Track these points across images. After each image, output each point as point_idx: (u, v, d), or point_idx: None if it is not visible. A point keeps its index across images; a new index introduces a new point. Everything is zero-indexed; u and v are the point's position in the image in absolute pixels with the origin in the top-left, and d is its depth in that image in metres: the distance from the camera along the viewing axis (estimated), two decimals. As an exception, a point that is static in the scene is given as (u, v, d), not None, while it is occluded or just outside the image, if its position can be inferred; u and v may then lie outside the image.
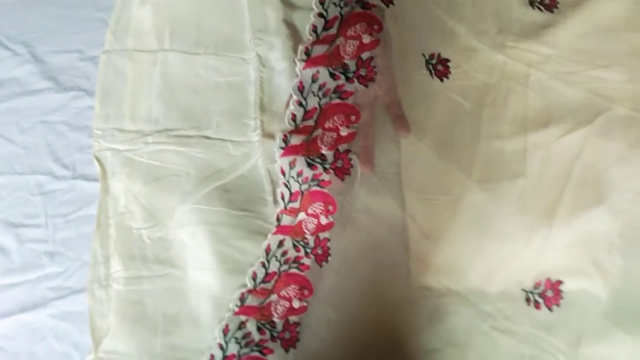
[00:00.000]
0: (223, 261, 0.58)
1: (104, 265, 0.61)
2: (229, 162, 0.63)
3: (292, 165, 0.56)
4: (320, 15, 0.56)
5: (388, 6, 0.59)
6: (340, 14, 0.56)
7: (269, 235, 0.57)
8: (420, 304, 0.56)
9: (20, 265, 0.63)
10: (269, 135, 0.64)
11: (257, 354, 0.53)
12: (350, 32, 0.55)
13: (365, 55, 0.56)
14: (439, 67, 0.63)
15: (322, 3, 0.56)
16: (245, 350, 0.53)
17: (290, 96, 0.57)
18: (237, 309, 0.55)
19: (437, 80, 0.63)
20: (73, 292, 0.61)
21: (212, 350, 0.54)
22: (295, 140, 0.55)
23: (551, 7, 0.66)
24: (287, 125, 0.56)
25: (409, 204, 0.59)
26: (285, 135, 0.56)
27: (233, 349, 0.53)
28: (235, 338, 0.54)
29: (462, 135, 0.62)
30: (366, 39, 0.55)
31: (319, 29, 0.56)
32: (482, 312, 0.56)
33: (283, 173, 0.58)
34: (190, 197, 0.62)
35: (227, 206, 0.61)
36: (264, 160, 0.62)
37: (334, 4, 0.56)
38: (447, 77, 0.63)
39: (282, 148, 0.56)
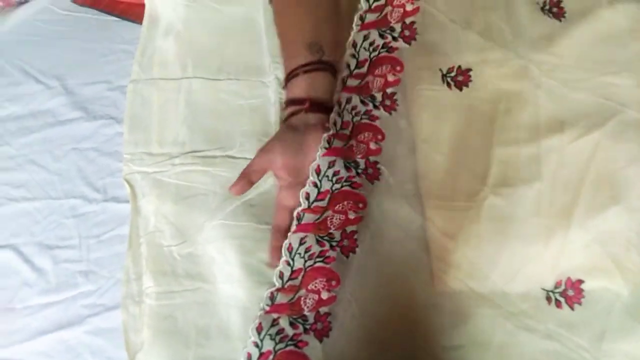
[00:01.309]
0: (250, 273, 0.60)
1: (137, 282, 0.63)
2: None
3: (331, 164, 0.59)
4: (353, 55, 0.64)
5: (410, 44, 0.65)
6: (369, 57, 0.64)
7: (290, 235, 0.58)
8: (444, 306, 0.57)
9: (56, 285, 0.66)
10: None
11: (292, 347, 0.54)
12: (377, 72, 0.64)
13: (389, 90, 0.64)
14: (459, 78, 0.66)
15: (354, 46, 0.64)
16: (281, 345, 0.54)
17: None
18: (268, 308, 0.56)
19: (455, 90, 0.65)
20: (107, 309, 0.64)
21: (248, 349, 0.54)
22: (337, 143, 0.60)
23: (559, 15, 0.68)
24: (329, 127, 0.61)
25: (429, 210, 0.61)
26: (329, 137, 0.59)
27: (268, 345, 0.54)
28: (270, 335, 0.54)
29: (476, 143, 0.63)
30: (390, 78, 0.64)
31: (352, 67, 0.64)
32: (505, 312, 0.57)
33: (318, 172, 0.59)
34: (217, 214, 0.64)
35: (253, 220, 0.63)
36: None
37: (364, 48, 0.64)
38: (467, 86, 0.65)
39: (325, 148, 0.59)
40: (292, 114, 0.60)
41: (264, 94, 0.72)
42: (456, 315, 0.57)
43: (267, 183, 0.66)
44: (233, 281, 0.61)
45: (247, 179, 0.59)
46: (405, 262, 0.59)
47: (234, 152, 0.69)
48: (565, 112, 0.63)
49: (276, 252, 0.57)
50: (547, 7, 0.68)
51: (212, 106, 0.73)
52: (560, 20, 0.67)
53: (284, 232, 0.57)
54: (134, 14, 0.85)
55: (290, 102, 0.60)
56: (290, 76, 0.60)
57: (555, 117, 0.63)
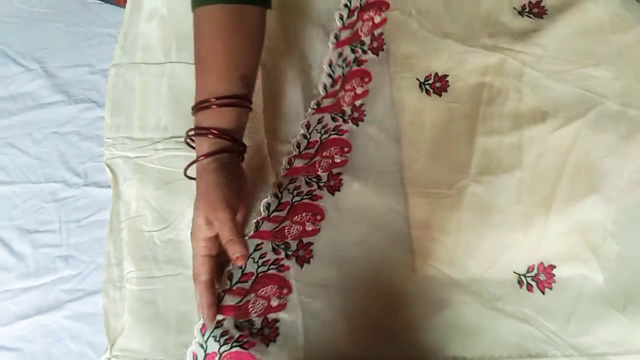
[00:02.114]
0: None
1: (117, 267, 0.63)
2: None
3: (292, 180, 0.63)
4: (329, 75, 0.69)
5: (378, 54, 0.69)
6: (342, 74, 0.69)
7: (246, 239, 0.58)
8: (424, 295, 0.58)
9: (35, 270, 0.65)
10: (274, 141, 0.67)
11: (238, 349, 0.53)
12: (347, 86, 0.68)
13: (358, 102, 0.68)
14: (437, 84, 0.68)
15: (330, 65, 0.69)
16: (225, 347, 0.53)
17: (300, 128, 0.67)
18: None
19: (434, 96, 0.67)
20: (87, 294, 0.63)
21: (193, 348, 0.54)
22: (298, 163, 0.64)
23: (540, 14, 0.70)
24: (292, 150, 0.66)
25: (411, 198, 0.62)
26: (290, 159, 0.64)
27: (212, 347, 0.53)
28: (214, 336, 0.54)
29: (457, 133, 0.65)
30: (359, 90, 0.68)
31: (328, 86, 0.69)
32: (482, 299, 0.58)
33: (280, 185, 0.63)
34: (199, 200, 0.64)
35: (236, 206, 0.63)
36: (269, 161, 0.65)
37: (339, 65, 0.69)
38: (446, 91, 0.67)
39: (286, 169, 0.64)
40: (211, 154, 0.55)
41: None
42: (435, 302, 0.58)
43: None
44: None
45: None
46: (384, 248, 0.60)
47: (216, 139, 0.68)
48: (547, 103, 0.64)
49: (212, 308, 0.53)
50: (527, 9, 0.70)
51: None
52: (542, 18, 0.69)
53: (211, 284, 0.54)
54: (117, -4, 0.84)
55: (219, 132, 0.55)
56: (211, 103, 0.55)
57: (537, 107, 0.64)
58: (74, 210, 0.68)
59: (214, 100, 0.55)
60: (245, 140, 0.61)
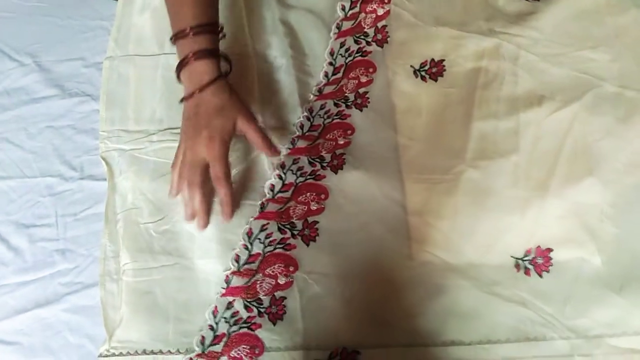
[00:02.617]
0: (229, 248, 0.60)
1: (114, 259, 0.63)
2: (232, 156, 0.65)
3: (295, 161, 0.64)
4: (330, 63, 0.70)
5: (382, 47, 0.70)
6: (345, 63, 0.70)
7: (251, 220, 0.61)
8: (421, 280, 0.58)
9: (33, 264, 0.65)
10: (270, 128, 0.67)
11: (245, 330, 0.56)
12: (351, 75, 0.69)
13: (362, 90, 0.68)
14: (433, 70, 0.68)
15: (331, 54, 0.70)
16: (234, 328, 0.57)
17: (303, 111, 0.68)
18: (223, 291, 0.58)
19: (430, 82, 0.67)
20: (85, 287, 0.63)
21: (203, 332, 0.57)
22: (301, 143, 0.65)
23: None
24: (296, 131, 0.67)
25: (407, 185, 0.62)
26: (293, 139, 0.66)
27: (223, 328, 0.57)
28: (224, 318, 0.57)
29: (453, 118, 0.64)
30: (363, 79, 0.69)
31: (330, 74, 0.70)
32: (482, 284, 0.58)
33: (283, 166, 0.63)
34: (196, 191, 0.64)
35: (232, 196, 0.63)
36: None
37: (341, 55, 0.70)
38: (442, 75, 0.67)
39: (289, 148, 0.65)
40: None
41: (244, 68, 0.71)
42: (432, 286, 0.58)
43: (246, 159, 0.66)
44: (212, 257, 0.61)
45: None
46: (382, 236, 0.60)
47: (212, 129, 0.68)
48: (544, 86, 0.64)
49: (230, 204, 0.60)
50: None
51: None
52: (539, 0, 0.68)
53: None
54: (110, -11, 0.83)
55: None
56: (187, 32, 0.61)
57: (533, 90, 0.64)
58: (70, 204, 0.68)
59: (189, 29, 0.60)
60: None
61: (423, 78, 0.67)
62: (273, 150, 0.63)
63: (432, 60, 0.68)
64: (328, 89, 0.69)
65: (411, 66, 0.68)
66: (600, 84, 0.64)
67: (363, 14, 0.71)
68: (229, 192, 0.59)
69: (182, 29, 0.61)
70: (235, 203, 0.61)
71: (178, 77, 0.63)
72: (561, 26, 0.67)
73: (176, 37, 0.62)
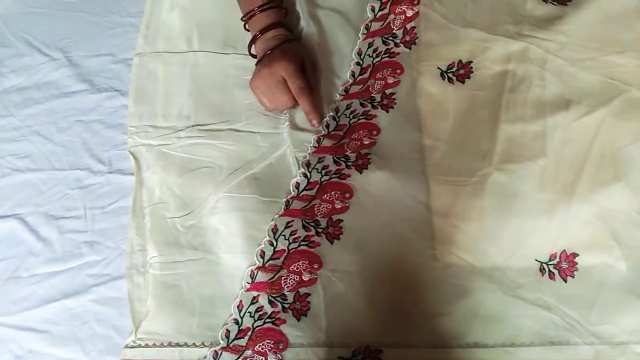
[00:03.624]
0: (254, 244, 0.61)
1: (141, 253, 0.64)
2: (258, 153, 0.67)
3: (320, 159, 0.65)
4: (358, 63, 0.71)
5: (410, 48, 0.70)
6: (373, 63, 0.71)
7: (276, 217, 0.62)
8: (445, 282, 0.58)
9: (61, 255, 0.66)
10: (296, 127, 0.67)
11: (270, 325, 0.57)
12: (379, 75, 0.70)
13: (388, 91, 0.69)
14: (460, 72, 0.68)
15: (359, 54, 0.71)
16: (259, 322, 0.58)
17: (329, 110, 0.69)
18: (248, 286, 0.59)
19: (458, 84, 0.67)
20: (112, 278, 0.64)
21: (227, 326, 0.58)
22: (327, 142, 0.66)
23: (564, 1, 0.69)
24: (321, 130, 0.68)
25: (433, 186, 0.62)
26: (318, 138, 0.66)
27: (247, 322, 0.58)
28: (249, 312, 0.58)
29: (480, 121, 0.65)
30: (390, 80, 0.69)
31: (356, 74, 0.71)
32: (506, 287, 0.58)
33: (308, 165, 0.64)
34: (222, 187, 0.65)
35: (257, 193, 0.64)
36: (292, 149, 0.66)
37: (368, 55, 0.71)
38: (469, 78, 0.67)
39: (314, 147, 0.66)
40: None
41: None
42: (456, 288, 0.58)
43: (272, 156, 0.66)
44: (237, 252, 0.61)
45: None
46: (406, 236, 0.60)
47: (239, 126, 0.69)
48: (571, 90, 0.64)
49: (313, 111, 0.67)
50: None
51: (218, 80, 0.73)
52: (567, 5, 0.68)
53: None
54: (139, -14, 0.84)
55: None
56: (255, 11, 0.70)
57: (561, 95, 0.64)
58: (99, 197, 0.69)
59: (256, 9, 0.70)
60: (265, 129, 0.68)
61: (450, 80, 0.67)
62: (313, 114, 0.67)
63: (460, 61, 0.68)
64: (354, 89, 0.69)
65: (438, 68, 0.68)
66: (628, 89, 0.63)
67: (392, 16, 0.72)
68: (312, 101, 0.67)
69: (250, 9, 0.70)
70: (320, 112, 0.68)
71: (250, 53, 0.72)
72: (589, 31, 0.67)
73: (247, 18, 0.71)
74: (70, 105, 0.76)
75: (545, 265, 0.58)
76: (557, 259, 0.58)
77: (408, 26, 0.71)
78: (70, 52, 0.80)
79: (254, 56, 0.71)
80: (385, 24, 0.72)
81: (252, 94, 0.69)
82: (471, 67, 0.67)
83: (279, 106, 0.68)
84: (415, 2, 0.71)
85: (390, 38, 0.71)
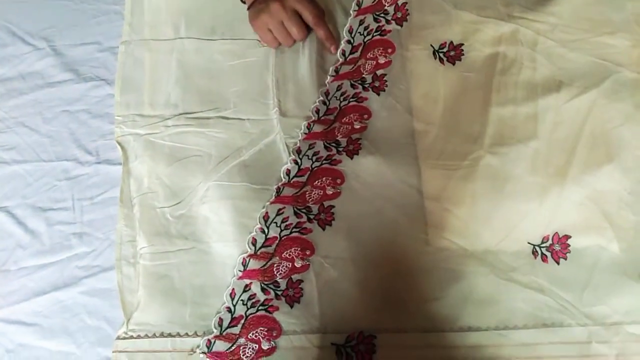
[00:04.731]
0: (245, 232, 0.61)
1: (130, 244, 0.63)
2: (247, 140, 0.66)
3: (311, 146, 0.64)
4: (348, 42, 0.70)
5: (402, 25, 0.69)
6: (364, 42, 0.69)
7: (267, 204, 0.62)
8: (438, 266, 0.58)
9: (50, 247, 0.65)
10: (285, 113, 0.67)
11: (263, 312, 0.57)
12: (369, 55, 0.69)
13: (379, 72, 0.68)
14: (451, 53, 0.67)
15: (350, 32, 0.70)
16: (252, 310, 0.57)
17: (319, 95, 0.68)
18: (240, 274, 0.59)
19: (448, 65, 0.67)
20: (102, 270, 0.63)
21: (220, 315, 0.58)
22: (317, 128, 0.65)
23: None
24: (312, 115, 0.67)
25: (424, 170, 0.62)
26: (309, 124, 0.66)
27: (240, 310, 0.58)
28: (242, 300, 0.58)
29: (471, 104, 0.64)
30: (381, 60, 0.68)
31: (347, 53, 0.69)
32: (497, 270, 0.58)
33: (299, 151, 0.64)
34: (212, 175, 0.64)
35: (247, 180, 0.63)
36: (282, 135, 0.65)
37: (359, 33, 0.69)
38: (460, 59, 0.67)
39: (305, 133, 0.65)
40: None
41: (259, 52, 0.71)
42: (449, 272, 0.58)
43: (261, 142, 0.66)
44: (228, 240, 0.61)
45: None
46: (398, 221, 0.60)
47: (227, 113, 0.68)
48: (562, 72, 0.63)
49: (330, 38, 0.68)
50: None
51: (205, 66, 0.72)
52: None
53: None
54: (124, -27, 0.83)
55: None
56: None
57: (552, 76, 0.63)
58: (87, 188, 0.68)
59: None
60: (255, 116, 0.66)
61: (441, 60, 0.67)
62: (330, 41, 0.68)
63: (451, 42, 0.67)
64: (345, 69, 0.69)
65: (431, 45, 0.67)
66: (619, 70, 0.63)
67: None
68: (328, 29, 0.68)
69: None
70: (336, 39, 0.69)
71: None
72: (580, 11, 0.66)
73: None
74: (55, 96, 0.74)
75: (537, 248, 0.58)
76: (550, 242, 0.58)
77: (399, 2, 0.70)
78: (54, 41, 0.78)
79: (243, 2, 0.72)
80: (377, 0, 0.71)
81: (241, 79, 0.69)
82: (462, 50, 0.67)
83: (287, 41, 0.69)
84: None
85: (382, 15, 0.70)
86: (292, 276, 0.58)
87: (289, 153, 0.64)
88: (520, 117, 0.62)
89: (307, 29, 0.69)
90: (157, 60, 0.73)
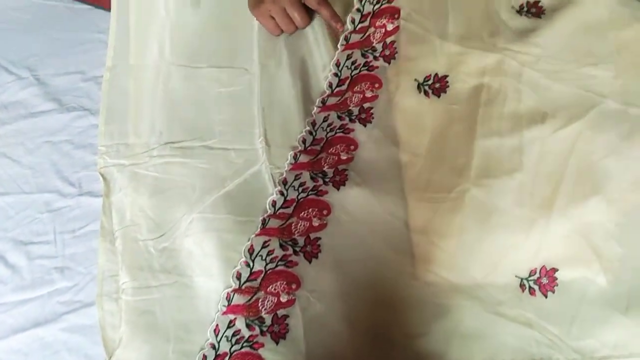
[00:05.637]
0: (230, 266, 0.59)
1: (112, 278, 0.62)
2: (232, 170, 0.65)
3: (297, 177, 0.63)
4: (335, 74, 0.69)
5: (390, 62, 0.69)
6: (351, 75, 0.69)
7: (252, 237, 0.60)
8: (425, 300, 0.58)
9: (31, 282, 0.64)
10: (271, 142, 0.66)
11: (247, 349, 0.56)
12: (356, 88, 0.68)
13: (366, 105, 0.68)
14: (436, 85, 0.67)
15: (337, 65, 0.70)
16: (236, 347, 0.56)
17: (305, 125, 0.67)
18: (224, 309, 0.57)
19: (433, 97, 0.67)
20: (84, 305, 0.63)
21: (204, 351, 0.56)
22: (303, 158, 0.64)
23: (538, 14, 0.69)
24: (298, 145, 0.66)
25: (410, 202, 0.61)
26: (295, 154, 0.65)
27: (224, 347, 0.56)
28: (226, 337, 0.56)
29: (457, 135, 0.64)
30: (368, 94, 0.68)
31: (334, 85, 0.69)
32: (486, 304, 0.57)
33: (285, 182, 0.63)
34: (196, 207, 0.63)
35: (232, 213, 0.62)
36: (267, 165, 0.64)
37: (347, 67, 0.70)
38: (445, 92, 0.67)
39: (291, 164, 0.64)
40: None
41: (246, 81, 0.71)
42: (436, 307, 0.57)
43: (246, 173, 0.65)
44: (212, 274, 0.60)
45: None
46: (384, 254, 0.59)
47: (212, 143, 0.68)
48: (547, 103, 0.63)
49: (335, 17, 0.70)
50: (525, 9, 0.69)
51: (191, 94, 0.71)
52: (541, 17, 0.68)
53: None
54: (108, 1, 0.82)
55: None
56: None
57: (537, 108, 0.63)
58: (69, 221, 0.67)
59: None
60: (240, 145, 0.65)
61: (426, 93, 0.67)
62: (336, 19, 0.69)
63: (436, 75, 0.67)
64: (332, 101, 0.68)
65: (415, 79, 0.68)
66: (603, 101, 0.63)
67: (372, 29, 0.71)
68: (332, 8, 0.69)
69: None
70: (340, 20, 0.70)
71: None
72: (563, 42, 0.66)
73: None
74: (38, 126, 0.74)
75: (525, 281, 0.58)
76: (537, 275, 0.58)
77: (388, 40, 0.70)
78: (37, 70, 0.78)
79: None
80: (365, 36, 0.71)
81: (227, 107, 0.69)
82: (447, 81, 0.67)
83: (290, 28, 0.70)
84: (396, 16, 0.70)
85: (370, 51, 0.70)
86: (278, 311, 0.57)
87: (275, 184, 0.64)
88: (506, 149, 0.62)
89: (309, 16, 0.70)
90: (142, 87, 0.72)
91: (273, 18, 0.69)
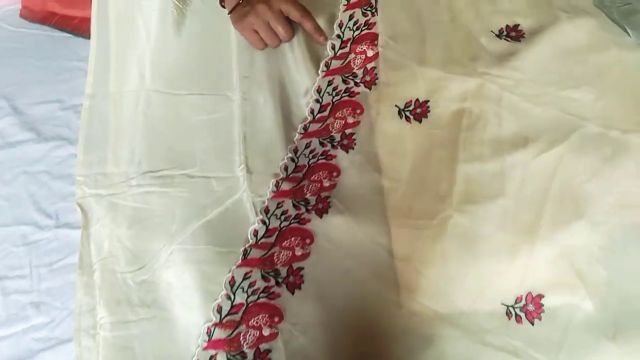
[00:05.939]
0: (210, 299, 0.58)
1: (90, 313, 0.60)
2: (212, 198, 0.64)
3: (279, 205, 0.62)
4: (317, 100, 0.69)
5: (370, 88, 0.69)
6: (332, 102, 0.69)
7: (233, 269, 0.59)
8: (410, 330, 0.56)
9: (5, 318, 0.62)
10: (252, 170, 0.65)
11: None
12: (338, 114, 0.68)
13: (348, 131, 0.67)
14: (417, 110, 0.67)
15: (318, 91, 0.69)
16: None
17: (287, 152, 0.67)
18: (205, 344, 0.56)
19: (415, 123, 0.66)
20: (60, 342, 0.61)
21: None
22: (285, 186, 0.64)
23: (518, 37, 0.69)
24: (280, 173, 0.65)
25: (393, 229, 0.60)
26: (277, 181, 0.64)
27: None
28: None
29: (439, 161, 0.63)
30: (350, 120, 0.68)
31: (315, 112, 0.69)
32: (473, 333, 0.56)
33: (266, 211, 0.62)
34: (175, 238, 0.62)
35: (212, 243, 0.61)
36: (249, 194, 0.63)
37: (328, 93, 0.69)
38: (427, 117, 0.66)
39: (273, 192, 0.63)
40: None
41: (228, 108, 0.70)
42: (421, 337, 0.56)
43: (227, 201, 0.64)
44: (192, 308, 0.58)
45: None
46: (368, 282, 0.58)
47: (193, 171, 0.66)
48: (528, 127, 0.63)
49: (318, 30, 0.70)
50: (505, 33, 0.70)
51: (172, 121, 0.70)
52: (520, 41, 0.68)
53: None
54: (88, 29, 0.82)
55: None
56: None
57: (518, 132, 0.63)
58: (46, 254, 0.66)
59: None
60: (221, 173, 0.65)
61: (407, 119, 0.66)
62: (319, 32, 0.70)
63: (417, 100, 0.67)
64: (314, 127, 0.68)
65: (396, 105, 0.67)
66: (584, 124, 0.63)
67: (353, 55, 0.71)
68: (315, 22, 0.70)
69: None
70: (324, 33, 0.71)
71: (221, 3, 0.72)
72: (543, 66, 0.66)
73: None
74: (15, 156, 0.73)
75: (511, 309, 0.57)
76: (524, 302, 0.57)
77: (368, 66, 0.70)
78: (15, 99, 0.77)
79: (223, 6, 0.73)
80: (346, 62, 0.71)
81: (208, 135, 0.68)
82: (428, 106, 0.66)
83: (274, 42, 0.71)
84: (376, 42, 0.70)
85: (351, 77, 0.70)
86: (260, 346, 0.56)
87: (257, 212, 0.62)
88: (488, 174, 0.61)
89: (292, 30, 0.70)
90: (122, 114, 0.72)
91: (257, 32, 0.69)
